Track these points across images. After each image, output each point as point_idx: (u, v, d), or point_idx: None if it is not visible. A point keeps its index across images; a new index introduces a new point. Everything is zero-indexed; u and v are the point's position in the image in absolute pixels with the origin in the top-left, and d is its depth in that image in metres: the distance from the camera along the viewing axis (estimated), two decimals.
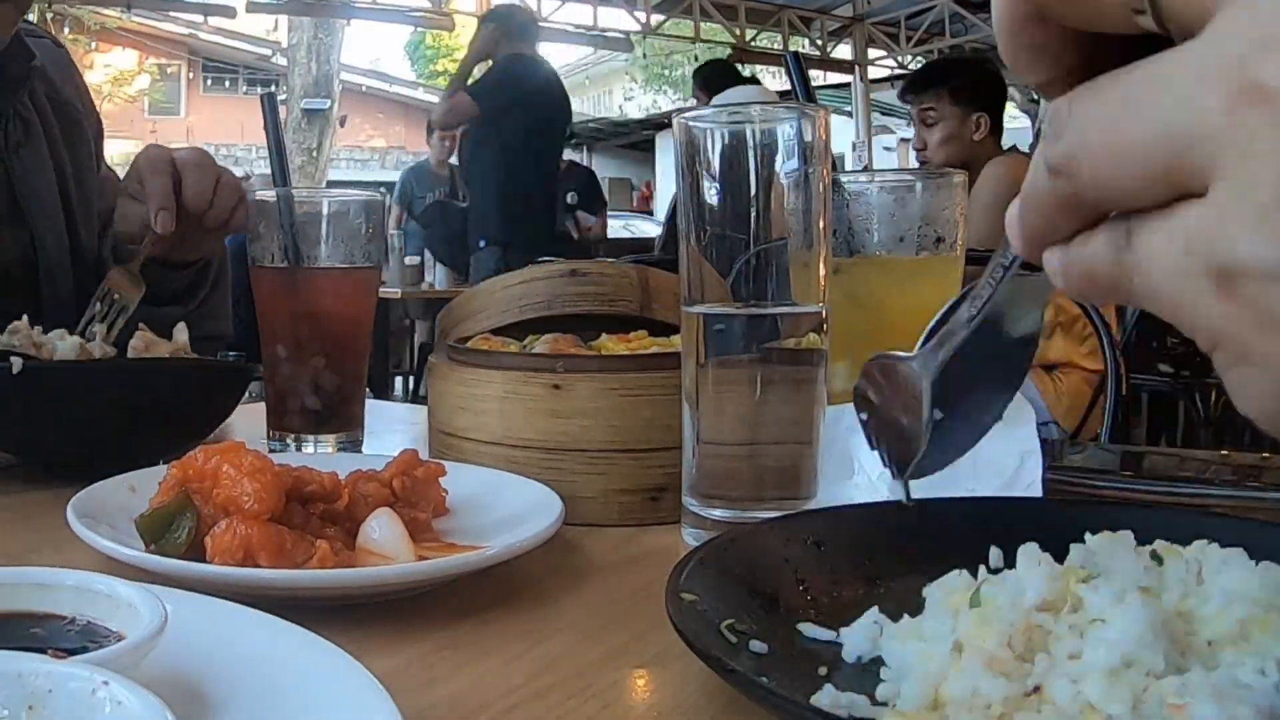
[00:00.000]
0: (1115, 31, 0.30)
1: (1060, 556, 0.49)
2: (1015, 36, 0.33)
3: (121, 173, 1.21)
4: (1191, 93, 0.27)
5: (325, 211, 0.95)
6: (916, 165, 3.12)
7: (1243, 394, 0.28)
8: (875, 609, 0.51)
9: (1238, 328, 0.27)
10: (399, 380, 6.12)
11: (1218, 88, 0.26)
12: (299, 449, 0.94)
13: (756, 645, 0.49)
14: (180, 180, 1.06)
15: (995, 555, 0.58)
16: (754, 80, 5.36)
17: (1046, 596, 0.44)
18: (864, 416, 0.53)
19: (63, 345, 0.90)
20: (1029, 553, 0.47)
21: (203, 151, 1.11)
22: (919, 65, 10.27)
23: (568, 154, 5.83)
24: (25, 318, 0.93)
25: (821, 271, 0.68)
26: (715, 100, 3.90)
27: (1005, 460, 0.72)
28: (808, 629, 0.52)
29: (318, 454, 0.93)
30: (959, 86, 2.92)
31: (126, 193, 1.13)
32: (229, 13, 9.35)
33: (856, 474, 0.70)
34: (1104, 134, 0.29)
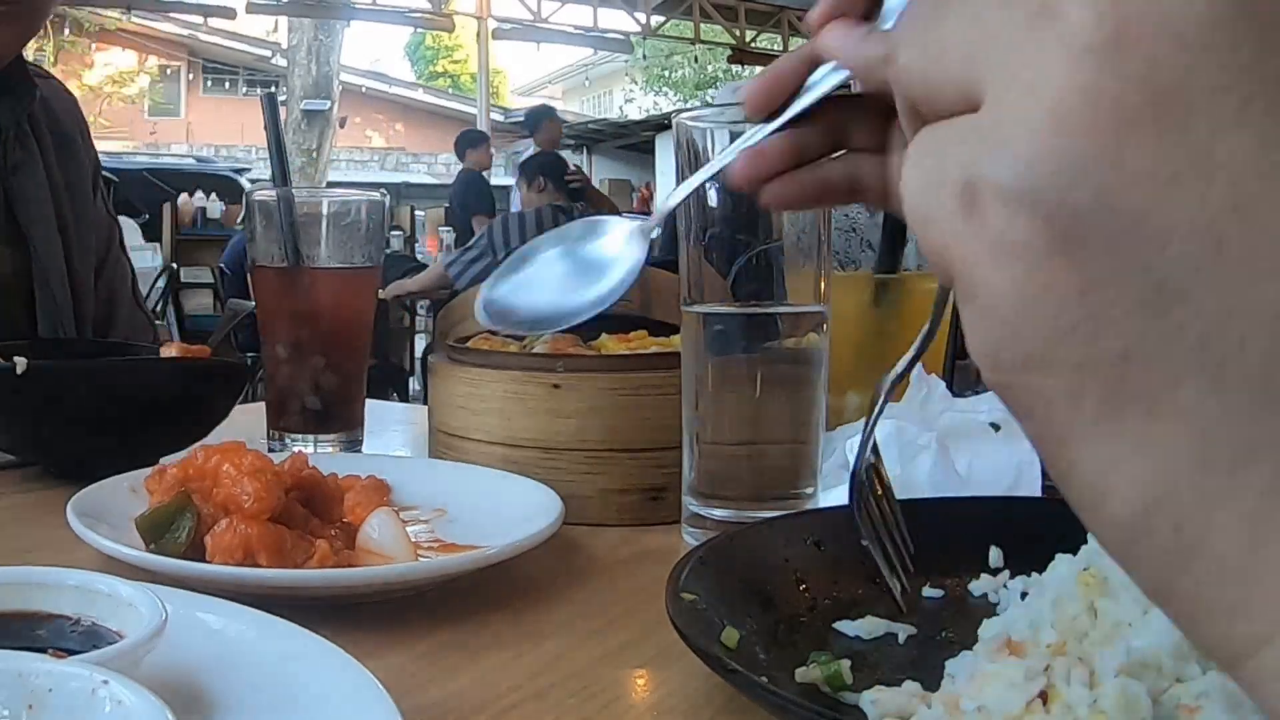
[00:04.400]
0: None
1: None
2: None
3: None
4: (995, 7, 0.27)
5: (325, 211, 0.95)
6: None
7: (969, 332, 0.27)
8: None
9: (971, 252, 0.26)
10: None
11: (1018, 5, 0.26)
12: (299, 448, 0.94)
13: (756, 645, 0.49)
14: None
15: (995, 555, 0.58)
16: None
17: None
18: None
19: None
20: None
21: None
22: None
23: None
24: None
25: (821, 271, 0.68)
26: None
27: (1003, 470, 0.71)
28: (808, 629, 0.52)
29: (318, 454, 0.93)
30: None
31: None
32: (229, 14, 9.38)
33: None
34: (920, 30, 0.29)
